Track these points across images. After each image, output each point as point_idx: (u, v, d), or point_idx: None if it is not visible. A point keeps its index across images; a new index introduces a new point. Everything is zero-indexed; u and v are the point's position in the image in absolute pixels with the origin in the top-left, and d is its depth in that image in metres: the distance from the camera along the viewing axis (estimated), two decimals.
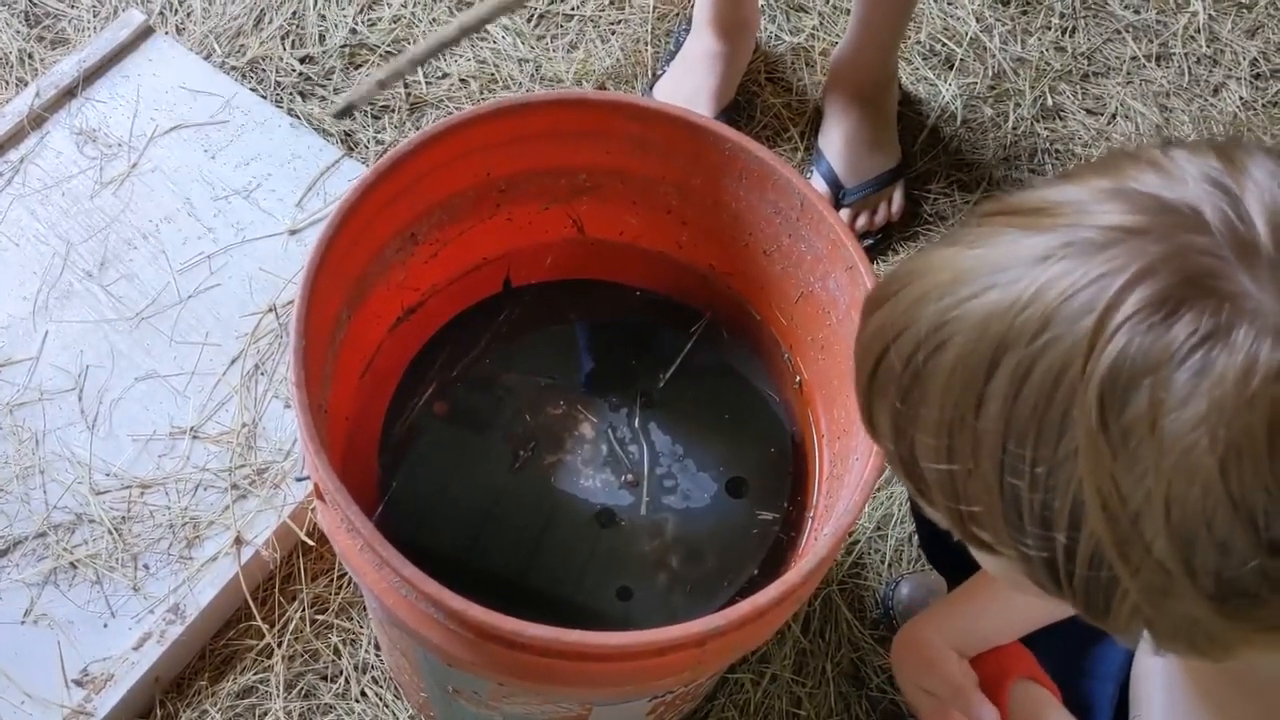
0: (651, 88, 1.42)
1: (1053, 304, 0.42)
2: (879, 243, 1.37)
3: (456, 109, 1.41)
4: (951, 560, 0.96)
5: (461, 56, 1.44)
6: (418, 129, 1.39)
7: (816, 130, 1.42)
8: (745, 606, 0.68)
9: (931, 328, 0.45)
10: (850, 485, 0.77)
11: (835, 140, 1.36)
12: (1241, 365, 0.39)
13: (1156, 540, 0.41)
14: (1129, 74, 1.52)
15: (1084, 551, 0.43)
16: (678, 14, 1.50)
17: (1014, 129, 1.46)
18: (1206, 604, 0.42)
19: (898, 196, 1.37)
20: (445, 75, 1.43)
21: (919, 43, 1.52)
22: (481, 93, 1.42)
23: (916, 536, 1.14)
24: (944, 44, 1.52)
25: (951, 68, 1.50)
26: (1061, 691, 0.77)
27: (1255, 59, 1.55)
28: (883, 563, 1.18)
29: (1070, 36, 1.55)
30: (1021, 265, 0.44)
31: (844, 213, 1.35)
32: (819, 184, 1.36)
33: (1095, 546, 0.43)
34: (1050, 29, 1.55)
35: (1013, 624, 0.80)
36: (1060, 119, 1.48)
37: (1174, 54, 1.54)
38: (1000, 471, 0.44)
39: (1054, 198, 0.45)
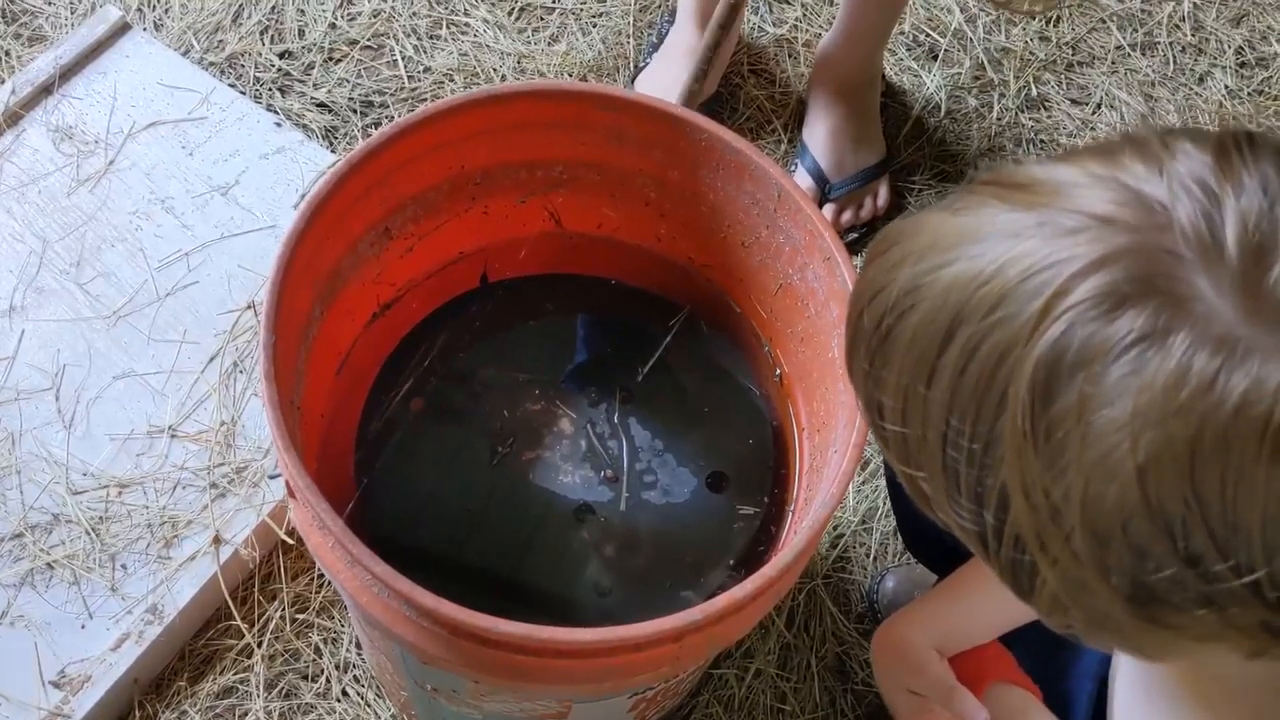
0: (634, 80, 1.41)
1: (1011, 282, 0.42)
2: (864, 237, 1.36)
3: (439, 98, 1.40)
4: (933, 552, 0.96)
5: (442, 50, 1.43)
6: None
7: (800, 123, 1.41)
8: (721, 601, 0.68)
9: (902, 291, 0.45)
10: (829, 478, 0.76)
11: (820, 135, 1.36)
12: (1173, 371, 0.38)
13: (1074, 534, 0.41)
14: (1114, 63, 1.51)
15: (1009, 534, 0.43)
16: (659, 5, 1.49)
17: (998, 119, 1.46)
18: (1122, 605, 0.42)
19: (883, 191, 1.36)
20: (428, 70, 1.42)
21: (903, 34, 1.51)
22: (465, 86, 1.41)
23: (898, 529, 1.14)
24: (928, 35, 1.51)
25: (935, 58, 1.49)
26: (1042, 690, 0.77)
27: (1240, 47, 1.54)
28: (868, 556, 1.18)
29: (1054, 26, 1.54)
30: (993, 239, 0.43)
31: (829, 208, 1.34)
32: (804, 179, 1.35)
33: (1018, 531, 0.43)
34: (1034, 18, 1.54)
35: (994, 622, 0.79)
36: (1045, 109, 1.47)
37: (1159, 43, 1.54)
38: (943, 443, 0.44)
39: (1042, 176, 0.45)
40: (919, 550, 0.98)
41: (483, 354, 0.96)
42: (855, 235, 1.35)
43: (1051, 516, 0.41)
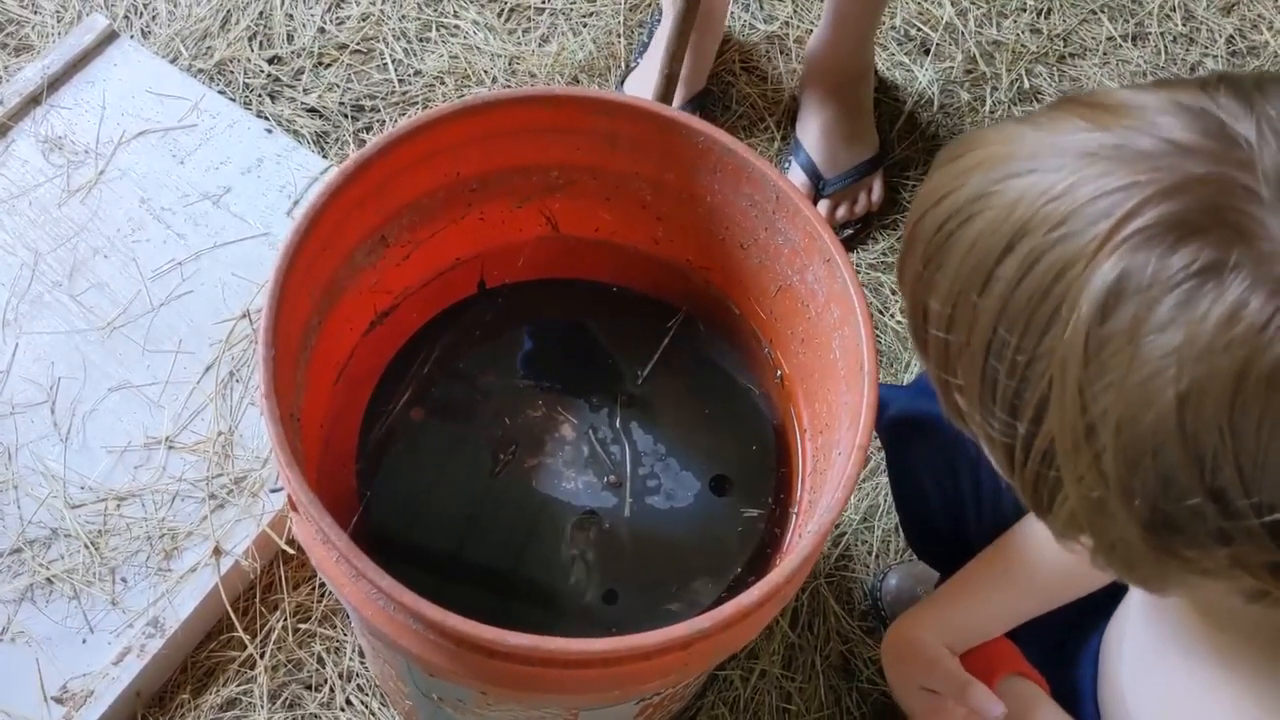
0: (622, 82, 1.40)
1: (1080, 200, 0.42)
2: (859, 232, 1.36)
3: (429, 101, 1.39)
4: (936, 550, 0.95)
5: (432, 53, 1.43)
6: (389, 127, 1.37)
7: (792, 120, 1.41)
8: (729, 608, 0.67)
9: (970, 197, 0.46)
10: (833, 482, 0.76)
11: (813, 131, 1.35)
12: (1229, 308, 0.39)
13: (1104, 454, 0.42)
14: (1105, 54, 1.51)
15: (1039, 446, 0.44)
16: (649, 4, 1.49)
17: (991, 112, 1.45)
18: (1138, 530, 0.43)
19: (877, 186, 1.36)
20: (418, 73, 1.41)
21: (894, 28, 1.50)
22: (457, 89, 1.41)
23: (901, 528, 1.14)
24: (919, 29, 1.51)
25: (927, 53, 1.49)
26: (1049, 681, 0.77)
27: (1231, 36, 1.54)
28: (870, 554, 1.17)
29: (1046, 18, 1.54)
30: (1069, 155, 0.44)
31: (824, 204, 1.34)
32: (798, 175, 1.35)
33: (1049, 444, 0.44)
34: (1025, 11, 1.54)
35: (1001, 619, 0.79)
36: (1038, 101, 1.47)
37: (1150, 33, 1.54)
38: (986, 351, 0.45)
39: (1129, 100, 0.45)
40: (922, 548, 0.98)
41: (482, 360, 0.95)
42: (850, 231, 1.35)
43: (1086, 434, 0.42)
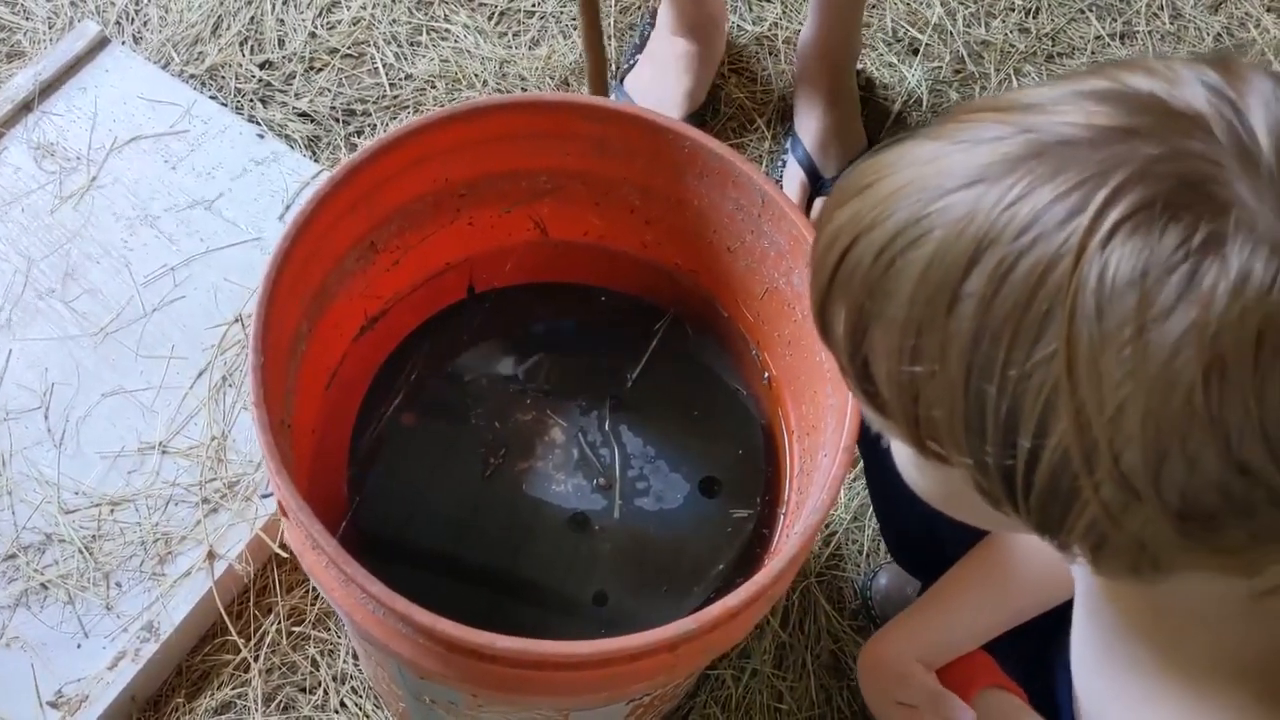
0: (621, 81, 1.41)
1: (1042, 202, 0.41)
2: None
3: (421, 105, 1.40)
4: (918, 558, 0.96)
5: (423, 57, 1.43)
6: (381, 131, 1.38)
7: (783, 118, 1.41)
8: (716, 609, 0.68)
9: (909, 220, 0.44)
10: (819, 483, 0.76)
11: (812, 128, 1.37)
12: (1234, 278, 0.38)
13: (1126, 450, 0.40)
14: (1094, 53, 1.52)
15: (1048, 460, 0.42)
16: (639, 7, 1.49)
17: None
18: (1167, 521, 0.42)
19: None
20: (410, 77, 1.42)
21: (882, 29, 1.51)
22: (448, 93, 1.41)
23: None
24: (907, 29, 1.51)
25: (916, 53, 1.50)
26: (1027, 690, 0.77)
27: (1219, 34, 1.54)
28: (860, 553, 1.18)
29: (1034, 18, 1.54)
30: (1009, 161, 0.42)
31: (820, 201, 1.35)
32: (796, 173, 1.36)
33: (1061, 455, 0.42)
34: (1014, 10, 1.54)
35: (974, 631, 0.80)
36: None
37: (1138, 31, 1.54)
38: (968, 374, 0.43)
39: (1045, 96, 0.44)
40: (903, 556, 0.98)
41: (472, 365, 0.96)
42: None
43: (1104, 435, 0.40)
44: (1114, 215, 0.39)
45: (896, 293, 0.44)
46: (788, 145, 1.39)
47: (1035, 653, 0.80)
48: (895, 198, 0.44)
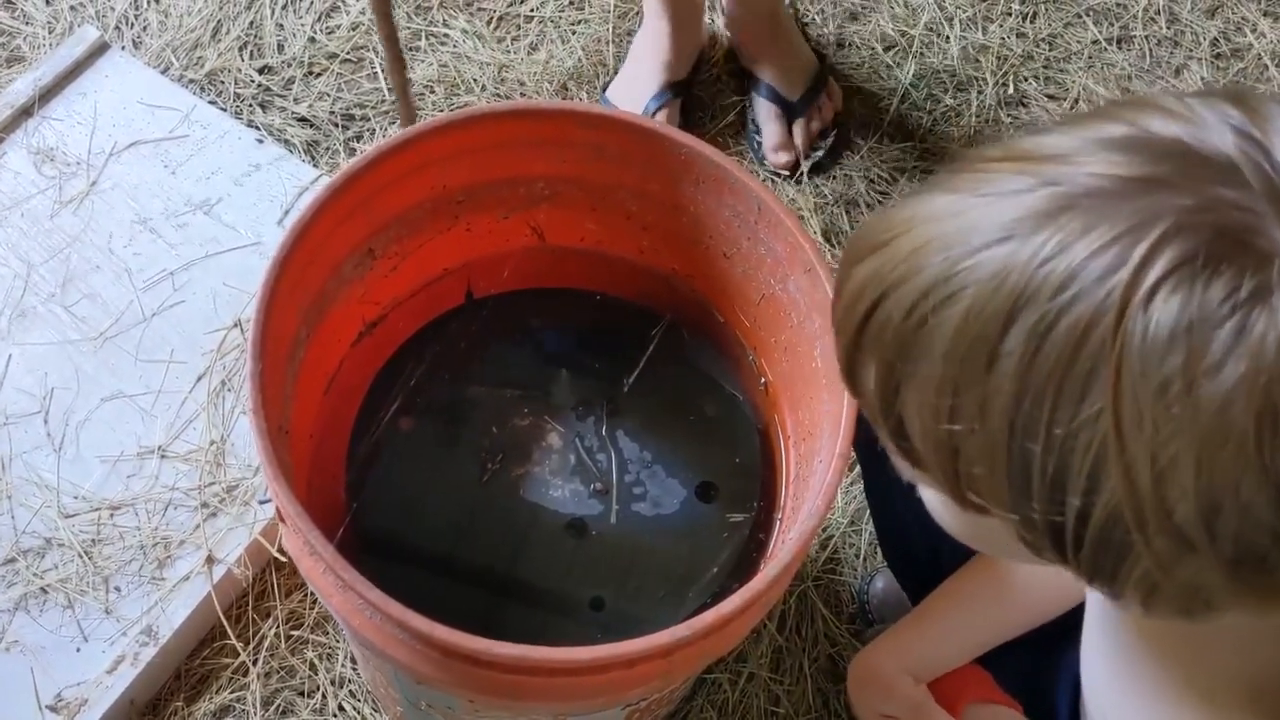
0: (604, 91, 1.41)
1: (1078, 257, 0.40)
2: (835, 146, 1.41)
3: (423, 115, 1.40)
4: (917, 573, 0.96)
5: (422, 62, 1.44)
6: (381, 136, 1.38)
7: (730, 63, 1.46)
8: (710, 616, 0.68)
9: (939, 278, 0.43)
10: (814, 489, 0.77)
11: (765, 63, 1.41)
12: None
13: (1180, 504, 0.40)
14: (1090, 58, 1.52)
15: (1099, 517, 0.41)
16: (637, 11, 1.50)
17: (977, 116, 1.46)
18: (1221, 569, 0.41)
19: (835, 89, 1.44)
20: (409, 81, 1.42)
21: (878, 32, 1.51)
22: (447, 98, 1.42)
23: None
24: (904, 32, 1.52)
25: (911, 56, 1.50)
26: (1026, 703, 0.78)
27: (1215, 39, 1.55)
28: (857, 557, 1.19)
29: (1031, 22, 1.55)
30: (1039, 216, 0.42)
31: (799, 124, 1.40)
32: (766, 105, 1.40)
33: (1112, 512, 0.41)
34: (1011, 15, 1.55)
35: (966, 647, 0.80)
36: (1023, 106, 1.48)
37: (1135, 36, 1.55)
38: (1010, 433, 0.42)
39: (1064, 145, 0.43)
40: (903, 571, 0.98)
41: (470, 370, 0.96)
42: (829, 142, 1.41)
43: (1154, 491, 0.40)
44: (1156, 271, 0.39)
45: (930, 351, 0.44)
46: (749, 88, 1.43)
47: (1035, 665, 0.80)
48: (920, 254, 0.44)
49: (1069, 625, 0.78)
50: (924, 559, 0.90)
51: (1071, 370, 0.40)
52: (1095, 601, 0.65)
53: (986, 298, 0.42)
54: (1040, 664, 0.80)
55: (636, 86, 1.38)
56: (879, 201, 1.39)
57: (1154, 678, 0.58)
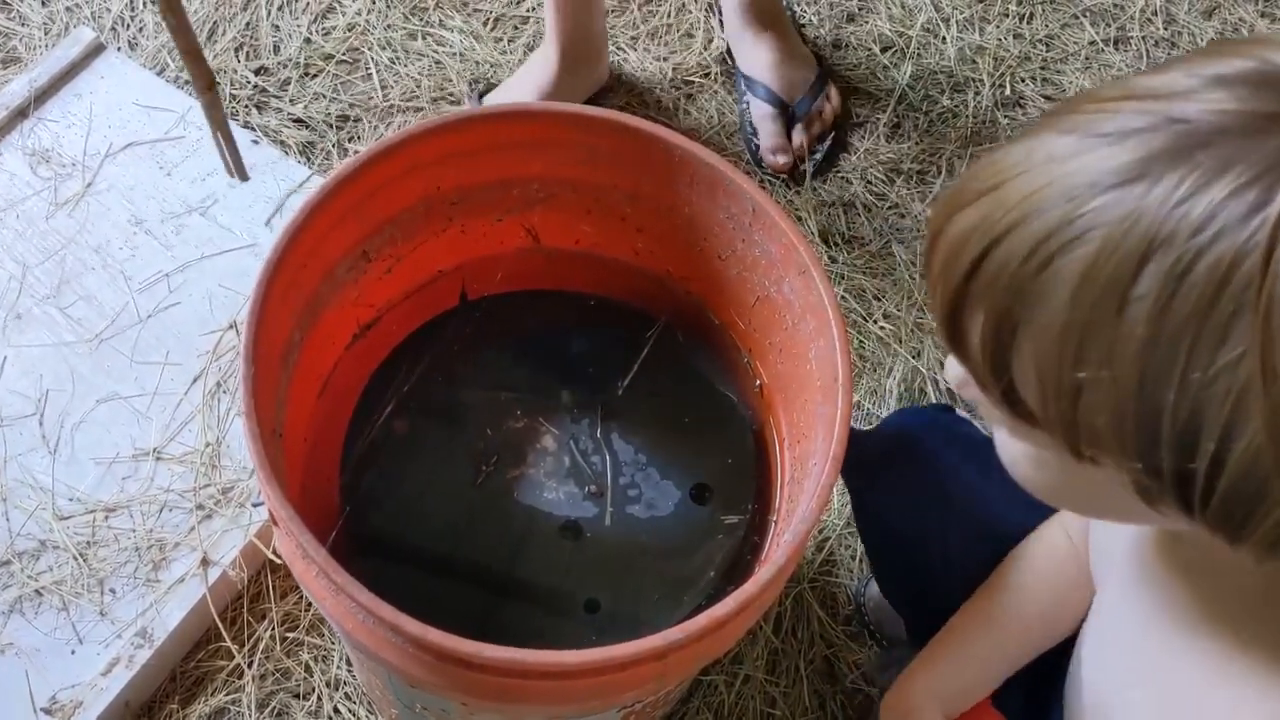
0: (480, 98, 1.40)
1: (1217, 197, 0.39)
2: (831, 149, 1.41)
3: (416, 110, 1.40)
4: (910, 598, 0.96)
5: (418, 62, 1.43)
6: (376, 137, 1.38)
7: (724, 63, 1.46)
8: (703, 619, 0.68)
9: (1062, 220, 0.42)
10: (809, 492, 0.77)
11: (762, 64, 1.40)
12: None
13: None
14: (1088, 59, 1.52)
15: (1235, 465, 0.40)
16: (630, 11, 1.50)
17: (974, 118, 1.46)
18: None
19: (834, 93, 1.43)
20: (404, 82, 1.42)
21: (875, 34, 1.51)
22: (443, 98, 1.41)
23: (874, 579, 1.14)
24: (901, 33, 1.51)
25: (908, 58, 1.50)
26: None
27: (1213, 40, 1.55)
28: (853, 559, 1.18)
29: (1028, 23, 1.55)
30: (1169, 155, 0.40)
31: (798, 129, 1.39)
32: (763, 109, 1.39)
33: (1252, 458, 0.40)
34: (1008, 16, 1.55)
35: (991, 670, 0.79)
36: (1020, 107, 1.48)
37: (1132, 37, 1.55)
38: (1141, 380, 0.41)
39: (1184, 82, 0.42)
40: (896, 593, 0.98)
41: (464, 373, 0.96)
42: (827, 145, 1.40)
43: None
44: None
45: (1053, 296, 0.42)
46: (742, 88, 1.41)
47: (1041, 685, 0.79)
48: (1038, 197, 0.43)
49: (1063, 653, 0.78)
50: (919, 583, 0.90)
51: (1212, 313, 0.39)
52: (1112, 600, 0.65)
53: (1118, 240, 0.40)
54: (1038, 689, 0.80)
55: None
56: (876, 204, 1.39)
57: (1215, 633, 0.57)
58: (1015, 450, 0.53)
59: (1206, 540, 0.45)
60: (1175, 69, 0.43)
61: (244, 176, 0.94)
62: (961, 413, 0.96)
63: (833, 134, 1.42)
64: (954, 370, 0.52)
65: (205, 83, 0.86)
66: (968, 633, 0.80)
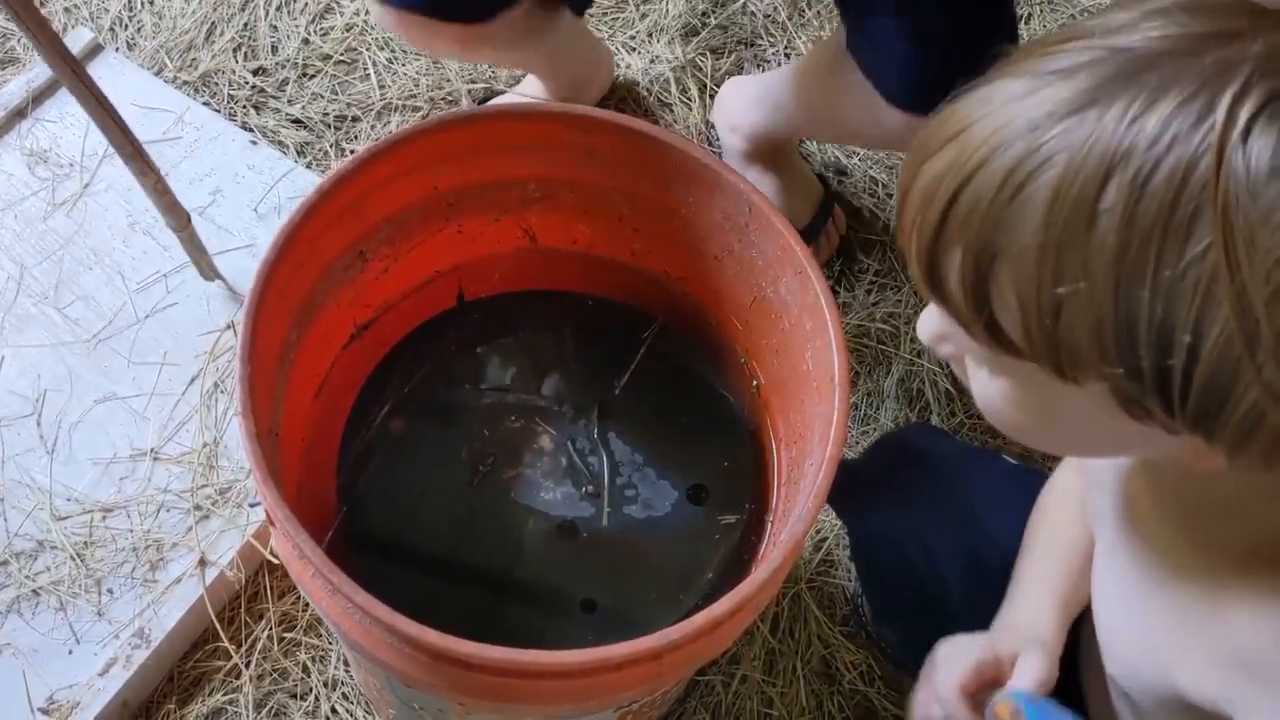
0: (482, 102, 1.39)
1: (1166, 111, 0.42)
2: (845, 266, 1.37)
3: (415, 110, 1.40)
4: (904, 623, 0.96)
5: (415, 62, 1.43)
6: (374, 137, 1.38)
7: None
8: (700, 619, 0.68)
9: (1025, 151, 0.45)
10: (805, 492, 0.77)
11: (770, 192, 1.33)
12: None
13: None
14: None
15: (1209, 352, 0.43)
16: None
17: None
18: None
19: (839, 215, 1.38)
20: (402, 82, 1.42)
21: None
22: (440, 98, 1.41)
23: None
24: None
25: None
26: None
27: None
28: (851, 559, 1.18)
29: (1026, 24, 1.55)
30: (1118, 80, 0.44)
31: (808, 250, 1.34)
32: None
33: (1224, 343, 0.43)
34: None
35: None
36: None
37: None
38: (1116, 285, 0.44)
39: (1124, 18, 0.46)
40: (890, 613, 0.98)
41: (461, 373, 0.96)
42: (839, 265, 1.36)
43: (1265, 314, 0.42)
44: (1246, 111, 0.42)
45: (1026, 221, 0.45)
46: None
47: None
48: (1001, 135, 0.46)
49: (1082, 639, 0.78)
50: (913, 602, 0.90)
51: (1174, 214, 0.42)
52: (1110, 529, 0.66)
53: (1081, 160, 0.44)
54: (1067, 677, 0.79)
55: None
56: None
57: (1191, 561, 0.58)
58: (994, 392, 0.54)
59: (1184, 473, 0.48)
60: (1112, 9, 0.47)
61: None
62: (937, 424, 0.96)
63: (840, 260, 1.37)
64: (929, 325, 0.56)
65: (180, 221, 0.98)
66: (1021, 573, 0.79)
